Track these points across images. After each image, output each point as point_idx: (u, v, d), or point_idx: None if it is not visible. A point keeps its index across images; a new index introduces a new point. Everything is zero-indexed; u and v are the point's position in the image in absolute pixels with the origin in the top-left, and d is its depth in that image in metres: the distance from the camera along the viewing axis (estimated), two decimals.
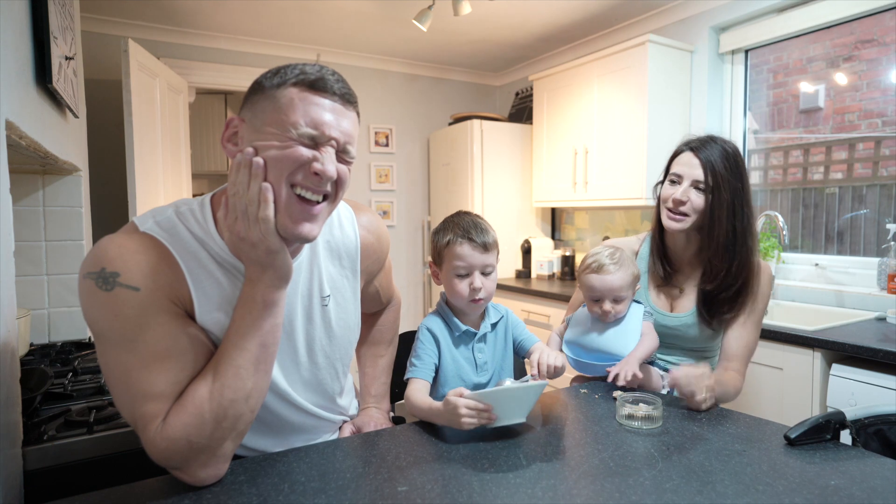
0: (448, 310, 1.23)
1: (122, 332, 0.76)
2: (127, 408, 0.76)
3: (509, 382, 1.10)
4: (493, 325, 1.25)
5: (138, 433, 0.76)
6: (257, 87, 0.82)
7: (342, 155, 0.84)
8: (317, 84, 0.80)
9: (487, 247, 1.16)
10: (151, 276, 0.78)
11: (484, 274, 1.17)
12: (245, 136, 0.82)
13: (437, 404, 1.00)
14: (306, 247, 0.95)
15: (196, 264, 0.83)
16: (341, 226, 1.03)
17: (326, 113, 0.80)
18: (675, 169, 1.34)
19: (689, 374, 1.09)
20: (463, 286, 1.16)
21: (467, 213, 1.22)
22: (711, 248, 1.32)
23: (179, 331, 0.79)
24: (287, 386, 0.95)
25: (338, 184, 0.84)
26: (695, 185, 1.30)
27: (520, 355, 1.30)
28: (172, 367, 0.76)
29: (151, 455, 0.75)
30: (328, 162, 0.80)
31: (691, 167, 1.31)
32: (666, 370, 1.33)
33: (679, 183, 1.32)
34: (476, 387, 1.19)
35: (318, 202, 0.82)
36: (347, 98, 0.83)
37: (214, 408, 0.75)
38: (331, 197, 0.84)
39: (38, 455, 0.98)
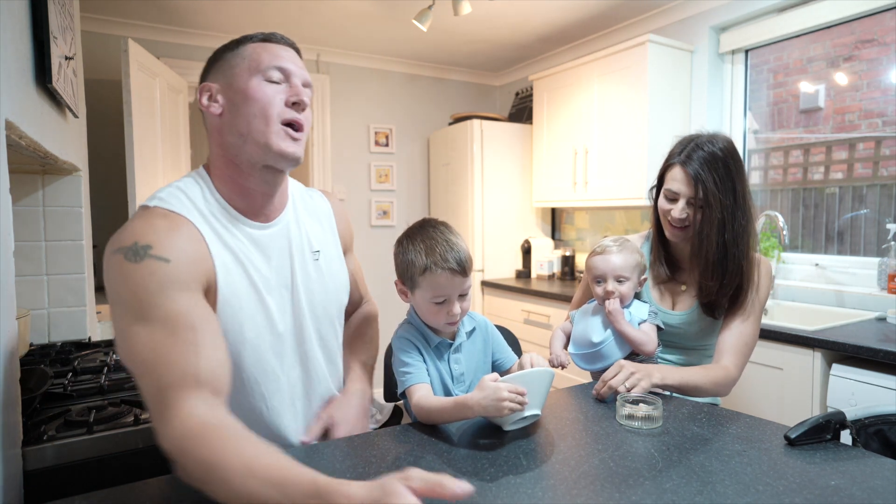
0: (420, 321, 1.15)
1: (143, 303, 0.78)
2: (151, 376, 0.75)
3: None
4: (469, 334, 1.20)
5: (157, 408, 0.73)
6: (219, 55, 0.97)
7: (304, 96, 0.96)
8: (270, 38, 0.97)
9: (466, 270, 1.08)
10: (181, 249, 0.83)
11: (461, 296, 1.10)
12: (223, 94, 0.94)
13: (463, 396, 0.95)
14: (290, 206, 1.05)
15: (211, 230, 0.91)
16: (312, 196, 1.15)
17: (286, 56, 0.96)
18: (669, 185, 1.33)
19: (608, 380, 1.17)
20: (441, 313, 1.09)
21: (435, 227, 1.12)
22: (700, 268, 1.31)
23: (198, 307, 0.82)
24: (302, 340, 1.03)
25: (306, 117, 0.97)
26: (689, 201, 1.30)
27: (498, 372, 1.23)
28: (192, 338, 0.77)
29: (160, 435, 0.72)
30: (302, 93, 0.94)
31: (683, 184, 1.30)
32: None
33: (675, 200, 1.32)
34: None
35: (300, 129, 0.95)
36: (295, 47, 1.00)
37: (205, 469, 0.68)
38: (305, 129, 0.97)
39: (38, 455, 0.98)
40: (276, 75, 0.93)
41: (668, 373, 1.21)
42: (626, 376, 1.14)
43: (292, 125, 0.94)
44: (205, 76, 0.98)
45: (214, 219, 0.92)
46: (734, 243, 1.29)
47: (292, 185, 1.11)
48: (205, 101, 0.96)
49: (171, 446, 0.71)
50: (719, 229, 1.28)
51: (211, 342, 0.80)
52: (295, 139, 0.94)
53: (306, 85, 0.98)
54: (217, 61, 0.97)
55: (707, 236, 1.29)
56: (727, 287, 1.30)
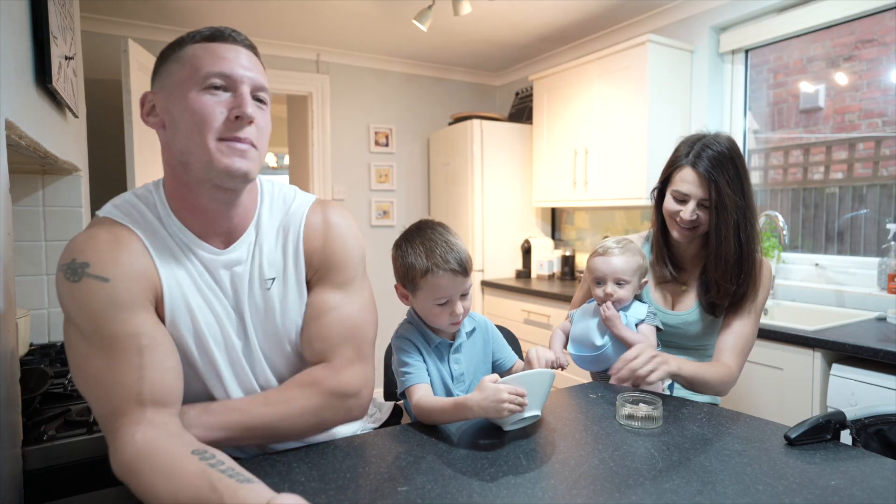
0: (420, 321, 1.15)
1: (89, 324, 0.76)
2: (97, 402, 0.76)
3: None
4: (469, 334, 1.20)
5: (106, 433, 0.76)
6: (161, 58, 0.85)
7: (257, 102, 0.85)
8: (214, 36, 0.84)
9: (467, 270, 1.08)
10: (121, 265, 0.79)
11: (462, 295, 1.10)
12: (161, 105, 0.84)
13: (463, 397, 0.96)
14: (253, 225, 0.93)
15: (161, 244, 0.85)
16: (293, 208, 0.97)
17: (231, 58, 0.83)
18: (678, 186, 1.32)
19: (628, 361, 1.15)
20: (444, 314, 1.10)
21: (432, 229, 1.12)
22: (718, 270, 1.31)
23: (145, 327, 0.79)
24: (253, 381, 0.92)
25: (258, 131, 0.85)
26: (700, 203, 1.30)
27: (498, 372, 1.25)
28: (137, 363, 0.76)
29: (110, 460, 0.74)
30: (246, 103, 0.81)
31: (695, 186, 1.29)
32: None
33: (685, 202, 1.31)
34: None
35: (243, 144, 0.83)
36: (248, 43, 0.87)
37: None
38: (255, 146, 0.84)
39: (38, 455, 0.98)
40: (219, 82, 0.81)
41: (684, 364, 1.20)
42: (646, 360, 1.13)
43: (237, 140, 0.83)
44: (152, 81, 0.87)
45: (168, 234, 0.86)
46: (748, 243, 1.30)
47: (271, 194, 0.97)
48: (144, 113, 0.86)
49: (117, 473, 0.73)
50: (735, 230, 1.28)
51: (159, 364, 0.78)
52: (241, 153, 0.82)
53: (258, 89, 0.85)
54: (160, 64, 0.86)
55: (725, 238, 1.29)
56: (743, 286, 1.31)
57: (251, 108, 0.82)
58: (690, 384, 1.23)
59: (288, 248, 0.94)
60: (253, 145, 0.84)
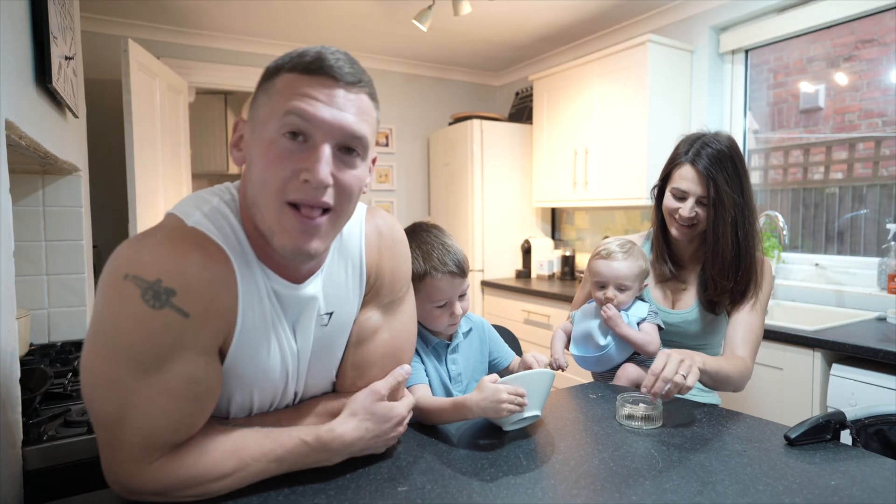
0: (417, 322, 1.13)
1: (147, 355, 0.65)
2: (127, 432, 0.67)
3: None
4: (465, 335, 1.21)
5: (107, 454, 0.68)
6: (260, 81, 0.72)
7: (345, 155, 0.70)
8: (313, 66, 0.67)
9: (464, 271, 1.09)
10: (206, 302, 0.68)
11: (461, 296, 1.11)
12: (247, 138, 0.72)
13: (462, 397, 0.95)
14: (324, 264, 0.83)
15: (248, 274, 0.73)
16: (352, 232, 0.86)
17: (321, 101, 0.67)
18: (677, 183, 1.33)
19: (658, 372, 1.02)
20: (443, 316, 1.10)
21: (427, 232, 1.11)
22: (715, 267, 1.31)
23: (206, 372, 0.70)
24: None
25: (339, 192, 0.70)
26: (699, 200, 1.31)
27: (496, 370, 1.26)
28: (189, 410, 0.70)
29: (122, 481, 0.68)
30: (320, 164, 0.66)
31: (694, 183, 1.30)
32: None
33: (684, 199, 1.32)
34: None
35: (314, 216, 0.68)
36: (353, 79, 0.69)
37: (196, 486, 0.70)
38: (333, 210, 0.70)
39: (38, 455, 0.98)
40: (298, 127, 0.66)
41: (707, 360, 1.12)
42: (676, 365, 1.02)
43: (306, 215, 0.69)
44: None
45: (255, 259, 0.74)
46: (746, 240, 1.30)
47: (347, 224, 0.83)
48: (234, 139, 0.74)
49: (153, 492, 0.68)
50: (733, 227, 1.29)
51: (204, 413, 0.72)
52: (306, 234, 0.68)
53: (350, 139, 0.69)
54: (257, 89, 0.72)
55: (722, 235, 1.29)
56: (741, 284, 1.31)
57: (326, 169, 0.66)
58: (714, 381, 1.17)
59: (348, 278, 0.84)
60: (328, 209, 0.70)
